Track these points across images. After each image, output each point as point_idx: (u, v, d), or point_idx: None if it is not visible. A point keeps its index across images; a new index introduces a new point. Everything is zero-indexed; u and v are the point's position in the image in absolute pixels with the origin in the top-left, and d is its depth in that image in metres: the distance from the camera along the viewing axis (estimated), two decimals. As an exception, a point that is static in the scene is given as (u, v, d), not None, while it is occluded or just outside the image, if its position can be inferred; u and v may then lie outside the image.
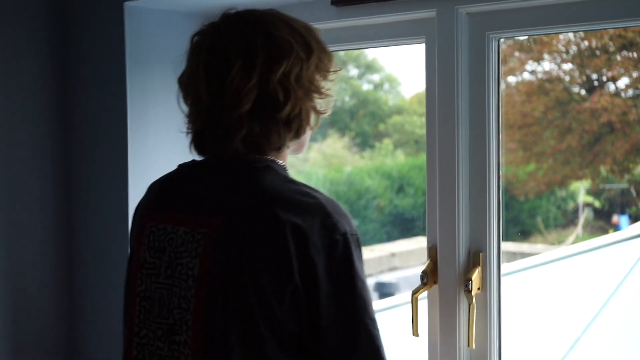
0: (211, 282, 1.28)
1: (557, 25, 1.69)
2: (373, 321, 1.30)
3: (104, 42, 2.08)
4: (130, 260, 1.42)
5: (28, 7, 2.10)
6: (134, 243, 1.41)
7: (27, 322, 2.13)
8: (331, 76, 1.41)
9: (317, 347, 1.28)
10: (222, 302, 1.27)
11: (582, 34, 5.40)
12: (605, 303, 3.34)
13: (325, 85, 1.39)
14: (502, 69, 1.78)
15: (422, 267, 1.84)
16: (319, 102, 1.39)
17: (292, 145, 1.41)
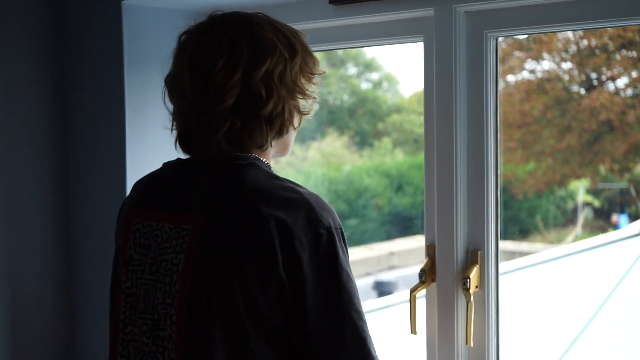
0: (195, 277, 1.29)
1: (555, 24, 1.70)
2: (359, 313, 1.31)
3: (102, 41, 2.08)
4: (116, 258, 1.44)
5: (26, 6, 2.10)
6: (119, 240, 1.43)
7: (26, 322, 2.13)
8: (315, 79, 1.43)
9: (303, 340, 1.29)
10: (206, 297, 1.28)
11: (581, 33, 5.39)
12: (604, 302, 3.34)
13: (309, 87, 1.41)
14: (501, 67, 1.79)
15: (421, 266, 1.84)
16: (302, 103, 1.41)
17: (275, 145, 1.43)
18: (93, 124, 2.14)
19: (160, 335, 1.33)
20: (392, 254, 7.96)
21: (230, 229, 1.29)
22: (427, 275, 1.82)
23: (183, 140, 1.44)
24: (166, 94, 1.48)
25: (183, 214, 1.35)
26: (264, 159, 1.42)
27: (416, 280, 1.83)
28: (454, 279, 1.78)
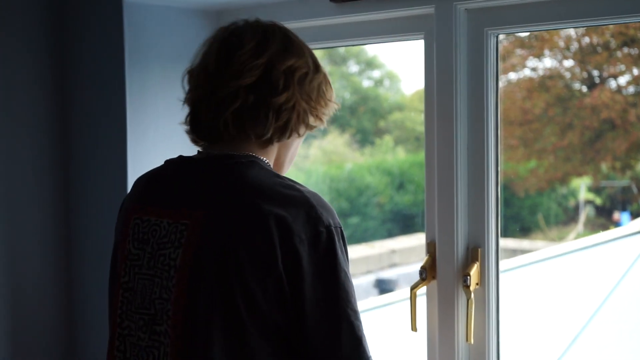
0: (194, 273, 1.29)
1: (555, 22, 1.70)
2: (355, 312, 1.32)
3: (103, 39, 2.08)
4: (114, 253, 1.45)
5: (26, 5, 2.10)
6: (119, 236, 1.44)
7: (26, 322, 2.14)
8: (328, 105, 1.46)
9: (301, 337, 1.30)
10: (205, 292, 1.28)
11: (583, 30, 5.39)
12: (606, 299, 3.34)
13: (320, 108, 1.44)
14: (503, 65, 1.79)
15: (422, 263, 1.84)
16: (311, 116, 1.43)
17: (277, 143, 1.43)
18: (94, 123, 2.14)
19: (156, 330, 1.33)
20: (393, 251, 7.96)
21: (230, 226, 1.30)
22: (427, 273, 1.82)
23: (193, 117, 1.45)
24: (185, 82, 1.49)
25: (183, 209, 1.35)
26: (265, 158, 1.43)
27: (417, 278, 1.83)
28: (454, 276, 1.79)
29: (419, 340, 1.89)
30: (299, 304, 1.29)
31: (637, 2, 1.60)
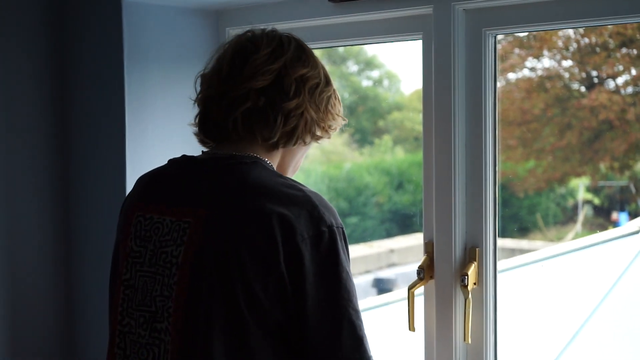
0: (195, 270, 1.30)
1: (553, 22, 1.70)
2: (357, 312, 1.32)
3: (102, 38, 2.08)
4: (116, 251, 1.46)
5: (25, 4, 2.10)
6: (120, 234, 1.44)
7: (25, 322, 2.14)
8: (336, 119, 1.50)
9: (302, 336, 1.30)
10: (206, 290, 1.29)
11: (581, 30, 5.39)
12: (603, 299, 3.34)
13: (327, 120, 1.48)
14: (501, 65, 1.79)
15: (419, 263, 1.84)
16: (318, 127, 1.46)
17: (282, 149, 1.44)
18: (93, 122, 2.14)
19: (156, 327, 1.34)
20: (392, 251, 7.97)
21: (233, 224, 1.30)
22: (425, 272, 1.83)
23: (203, 117, 1.47)
24: (197, 84, 1.52)
25: (185, 208, 1.36)
26: (268, 160, 1.44)
27: (415, 278, 1.84)
28: (452, 276, 1.79)
29: (417, 340, 1.89)
30: (300, 303, 1.30)
31: (635, 2, 1.60)
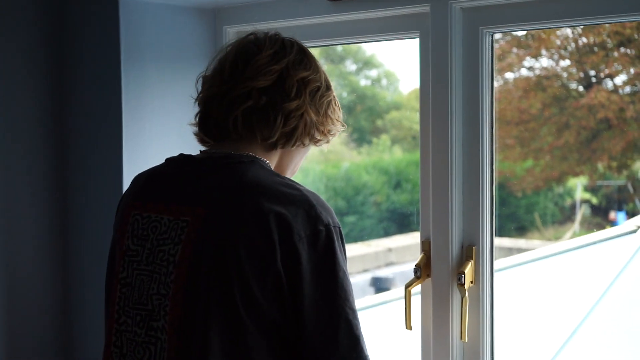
0: (192, 268, 1.30)
1: (550, 20, 1.70)
2: (353, 311, 1.32)
3: (99, 36, 2.08)
4: (112, 249, 1.46)
5: (23, 3, 2.10)
6: (117, 232, 1.44)
7: (22, 321, 2.13)
8: (335, 124, 1.51)
9: (299, 335, 1.30)
10: (203, 288, 1.29)
11: (579, 30, 5.40)
12: (601, 298, 3.35)
13: (326, 124, 1.48)
14: (500, 65, 1.79)
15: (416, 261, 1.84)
16: (317, 130, 1.47)
17: (280, 150, 1.45)
18: (90, 122, 2.14)
19: (153, 325, 1.34)
20: (389, 250, 7.98)
21: (231, 223, 1.30)
22: (422, 271, 1.82)
23: (203, 115, 1.47)
24: (199, 84, 1.52)
25: (183, 206, 1.36)
26: (266, 160, 1.44)
27: (412, 276, 1.84)
28: (449, 274, 1.79)
29: (414, 339, 1.90)
30: (297, 302, 1.30)
31: (633, 1, 1.60)
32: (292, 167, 1.54)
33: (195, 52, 2.15)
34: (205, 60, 1.99)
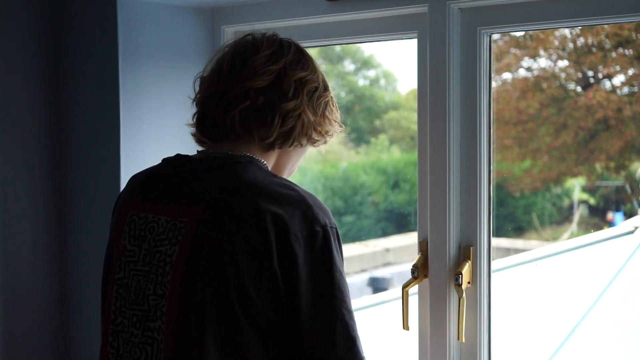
0: (189, 268, 1.30)
1: (549, 21, 1.70)
2: (350, 312, 1.33)
3: (97, 36, 2.08)
4: (109, 250, 1.46)
5: (21, 0, 2.10)
6: (113, 232, 1.44)
7: (19, 321, 2.13)
8: (332, 125, 1.51)
9: (295, 336, 1.30)
10: (200, 289, 1.29)
11: (578, 30, 5.40)
12: (598, 299, 3.35)
13: (324, 124, 1.49)
14: (498, 65, 1.79)
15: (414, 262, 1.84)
16: (314, 130, 1.47)
17: (278, 150, 1.46)
18: (87, 120, 2.13)
19: (149, 326, 1.33)
20: (387, 250, 7.98)
21: (228, 223, 1.30)
22: (419, 271, 1.83)
23: (201, 115, 1.47)
24: (196, 84, 1.52)
25: (181, 207, 1.36)
26: (263, 160, 1.44)
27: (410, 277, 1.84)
28: (446, 274, 1.79)
29: (411, 339, 1.90)
30: (293, 303, 1.30)
31: (631, 2, 1.60)
32: (289, 167, 1.54)
33: (193, 52, 2.15)
34: (203, 60, 1.99)
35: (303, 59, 1.47)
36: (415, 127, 1.89)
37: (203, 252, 1.30)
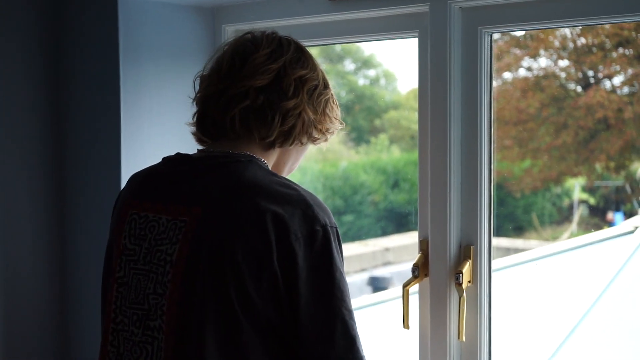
0: (189, 267, 1.30)
1: (549, 21, 1.70)
2: (350, 312, 1.32)
3: (98, 34, 2.08)
4: (109, 249, 1.46)
5: (19, 0, 2.10)
6: (114, 232, 1.44)
7: (19, 321, 2.13)
8: (333, 123, 1.50)
9: (294, 335, 1.30)
10: (200, 287, 1.29)
11: (578, 30, 5.40)
12: (598, 298, 3.35)
13: (324, 122, 1.48)
14: (498, 65, 1.79)
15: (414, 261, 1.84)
16: (315, 128, 1.46)
17: (278, 149, 1.46)
18: (88, 119, 2.13)
19: (150, 325, 1.34)
20: (387, 249, 7.98)
21: (228, 222, 1.30)
22: (420, 270, 1.83)
23: (201, 115, 1.47)
24: (196, 83, 1.52)
25: (180, 206, 1.36)
26: (263, 159, 1.44)
27: (410, 276, 1.84)
28: (446, 273, 1.79)
29: (412, 338, 1.90)
30: (293, 302, 1.30)
31: (631, 1, 1.60)
32: (289, 166, 1.53)
33: (194, 51, 2.15)
34: (203, 58, 1.99)
35: (303, 57, 1.47)
36: (415, 126, 1.89)
37: (203, 252, 1.30)
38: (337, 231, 1.36)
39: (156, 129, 2.10)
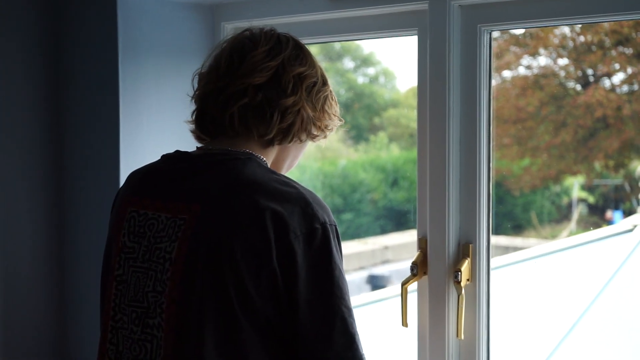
0: (188, 265, 1.30)
1: (549, 19, 1.70)
2: (349, 310, 1.32)
3: (97, 32, 2.08)
4: (109, 246, 1.45)
5: (19, 0, 2.09)
6: (113, 229, 1.44)
7: (17, 321, 2.13)
8: (332, 119, 1.50)
9: (294, 333, 1.30)
10: (199, 285, 1.28)
11: (577, 29, 5.41)
12: (597, 297, 3.36)
13: (323, 119, 1.48)
14: (496, 62, 1.79)
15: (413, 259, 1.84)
16: (314, 125, 1.46)
17: (277, 146, 1.45)
18: (87, 118, 2.13)
19: (149, 323, 1.33)
20: (386, 248, 7.99)
21: (227, 220, 1.30)
22: (418, 268, 1.82)
23: (200, 112, 1.47)
24: (195, 81, 1.52)
25: (180, 203, 1.36)
26: (263, 157, 1.44)
27: (409, 274, 1.84)
28: (445, 272, 1.79)
29: (410, 336, 1.90)
30: (292, 300, 1.29)
31: (631, 0, 1.60)
32: (288, 163, 1.53)
33: (193, 48, 2.14)
34: (203, 56, 1.98)
35: (301, 54, 1.46)
36: (414, 124, 1.89)
37: (202, 249, 1.30)
38: (336, 229, 1.35)
39: (155, 126, 2.10)
